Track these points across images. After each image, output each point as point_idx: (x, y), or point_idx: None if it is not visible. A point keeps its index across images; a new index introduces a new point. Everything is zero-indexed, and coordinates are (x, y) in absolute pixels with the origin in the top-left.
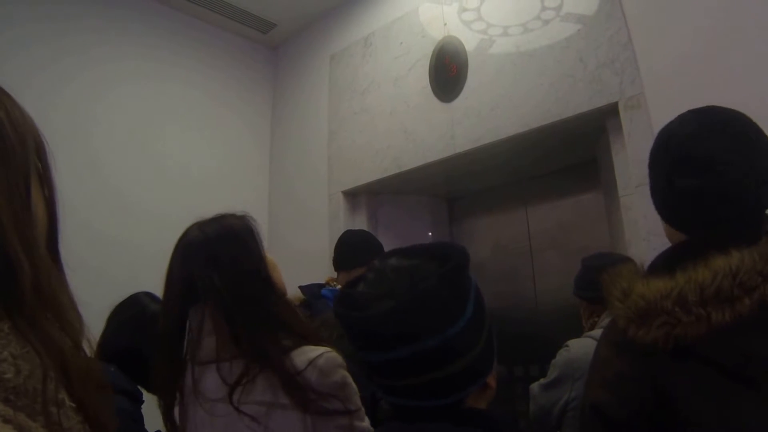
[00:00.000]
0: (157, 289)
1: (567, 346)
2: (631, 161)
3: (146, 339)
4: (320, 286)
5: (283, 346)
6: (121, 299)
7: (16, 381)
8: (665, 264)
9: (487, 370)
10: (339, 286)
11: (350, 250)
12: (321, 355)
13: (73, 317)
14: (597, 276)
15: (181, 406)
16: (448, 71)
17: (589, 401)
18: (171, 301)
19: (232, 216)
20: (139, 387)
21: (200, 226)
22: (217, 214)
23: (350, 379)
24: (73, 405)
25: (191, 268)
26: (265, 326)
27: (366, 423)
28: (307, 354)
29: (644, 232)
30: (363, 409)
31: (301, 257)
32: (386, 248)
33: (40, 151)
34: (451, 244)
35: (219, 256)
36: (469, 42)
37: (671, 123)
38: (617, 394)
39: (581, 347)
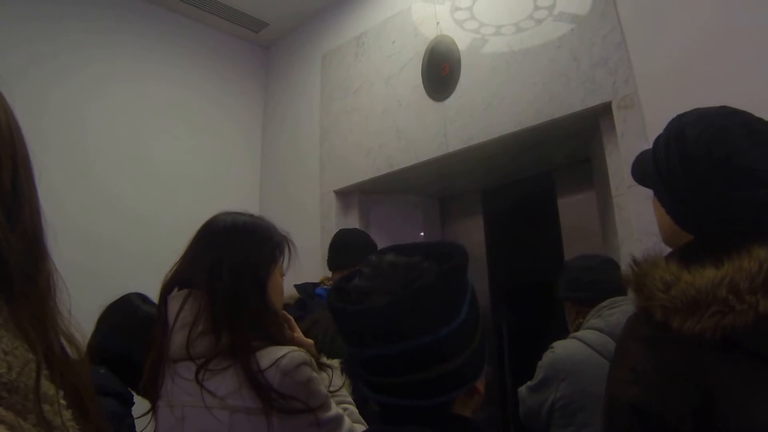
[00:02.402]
0: (149, 289)
1: (552, 347)
2: (624, 161)
3: (138, 341)
4: (314, 285)
5: (252, 346)
6: (111, 300)
7: (8, 377)
8: (698, 255)
9: (476, 376)
10: None
11: (345, 249)
12: (285, 355)
13: (55, 311)
14: (588, 277)
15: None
16: (440, 70)
17: (624, 400)
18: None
19: (265, 221)
20: (130, 390)
21: (233, 215)
22: (258, 215)
23: (313, 374)
24: (64, 402)
25: (207, 252)
26: (242, 325)
27: (333, 411)
28: (270, 355)
29: (636, 231)
30: (329, 399)
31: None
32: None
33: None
34: (452, 243)
35: (234, 247)
36: (462, 41)
37: (705, 127)
38: (658, 390)
39: (565, 348)
